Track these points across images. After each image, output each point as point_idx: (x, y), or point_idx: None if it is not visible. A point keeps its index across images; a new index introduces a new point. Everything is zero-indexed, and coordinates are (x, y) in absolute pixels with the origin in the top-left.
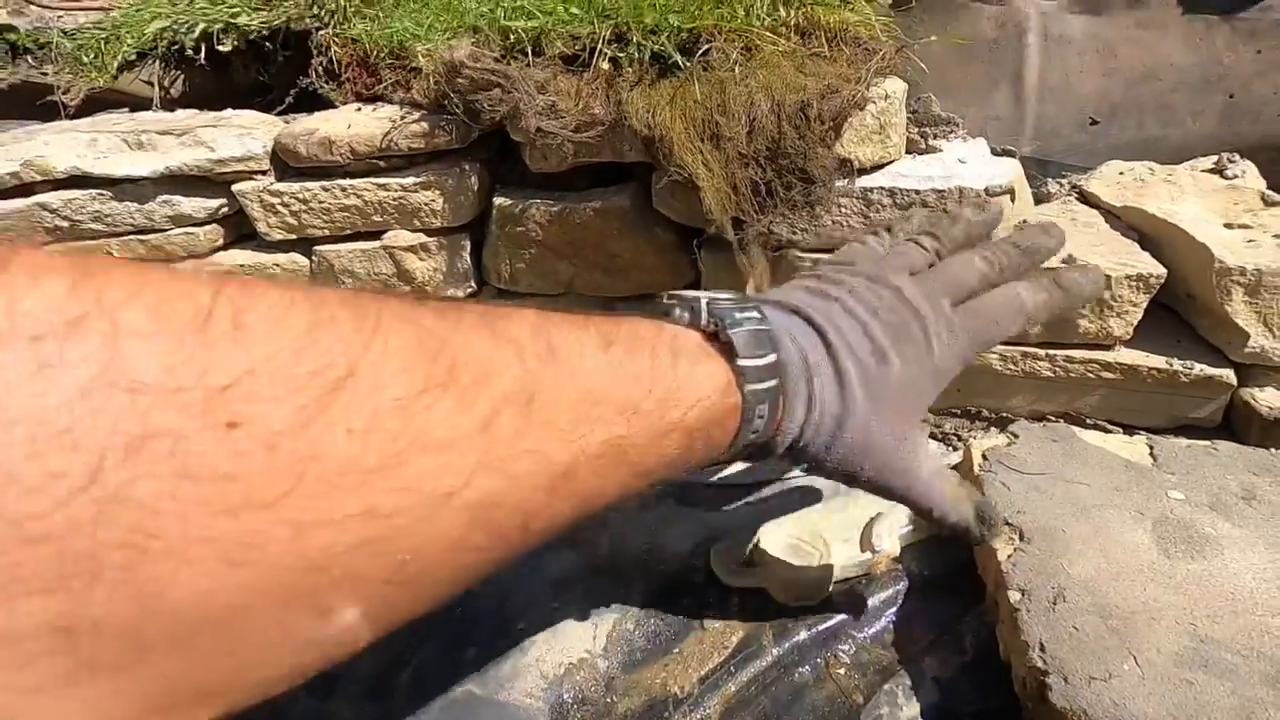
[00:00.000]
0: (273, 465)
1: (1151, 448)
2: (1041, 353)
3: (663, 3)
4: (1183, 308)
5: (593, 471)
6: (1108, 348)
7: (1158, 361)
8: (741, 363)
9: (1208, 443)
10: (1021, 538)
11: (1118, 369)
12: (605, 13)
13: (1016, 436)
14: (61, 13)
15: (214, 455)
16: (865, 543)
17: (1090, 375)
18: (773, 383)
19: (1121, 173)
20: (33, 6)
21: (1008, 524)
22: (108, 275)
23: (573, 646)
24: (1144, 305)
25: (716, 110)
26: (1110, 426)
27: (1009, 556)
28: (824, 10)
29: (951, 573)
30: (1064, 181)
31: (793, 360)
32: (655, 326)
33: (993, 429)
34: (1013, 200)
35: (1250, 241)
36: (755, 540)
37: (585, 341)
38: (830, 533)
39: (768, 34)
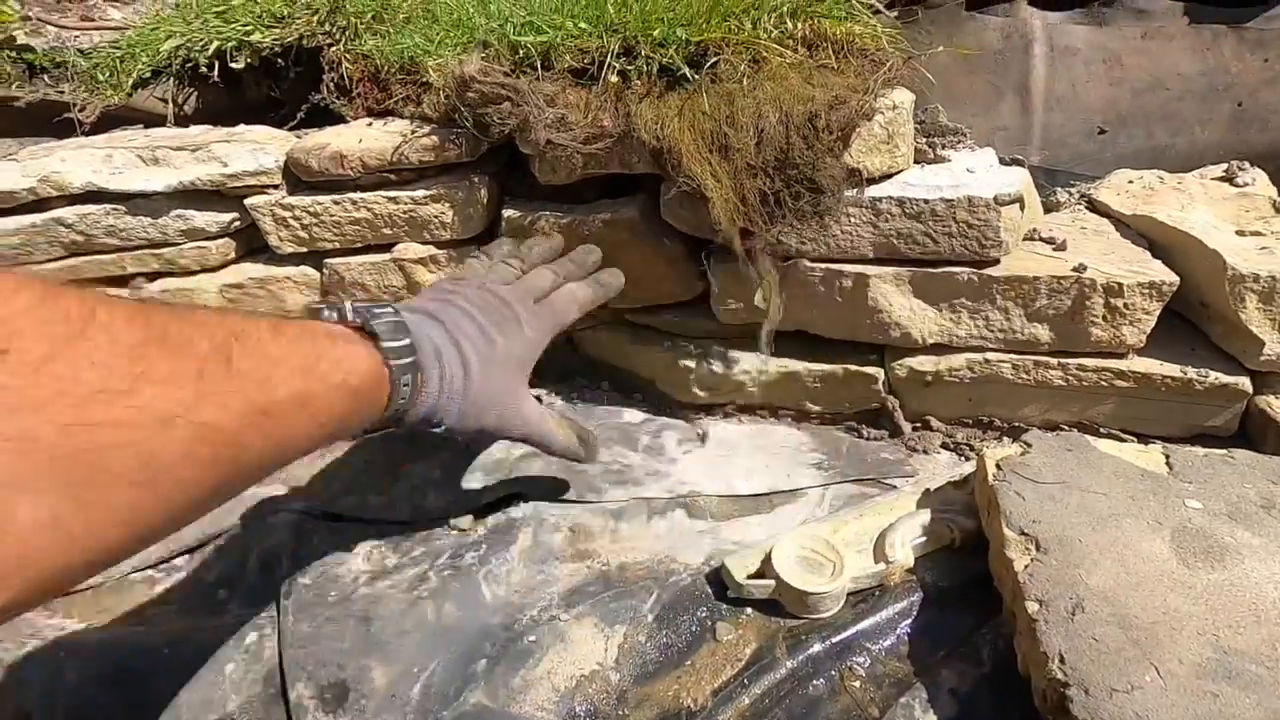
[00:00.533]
0: (38, 381)
1: (1167, 457)
2: (1053, 361)
3: (670, 16)
4: (1196, 315)
5: (284, 415)
6: (1121, 356)
7: (1172, 370)
8: (384, 344)
9: (1224, 451)
10: (1038, 548)
11: (1131, 377)
12: (613, 26)
13: (1030, 446)
14: (77, 33)
15: None
16: (879, 553)
17: (1103, 384)
18: (410, 359)
19: (1130, 181)
20: (50, 27)
21: (1023, 534)
22: None
23: (584, 659)
24: (1157, 313)
25: (725, 121)
26: (1124, 436)
27: (1025, 567)
28: (830, 23)
29: (967, 583)
30: (1073, 190)
31: (424, 344)
32: (315, 322)
33: (1005, 439)
34: (1021, 209)
35: (1263, 249)
36: (767, 552)
37: (262, 326)
38: (843, 543)
39: (775, 46)
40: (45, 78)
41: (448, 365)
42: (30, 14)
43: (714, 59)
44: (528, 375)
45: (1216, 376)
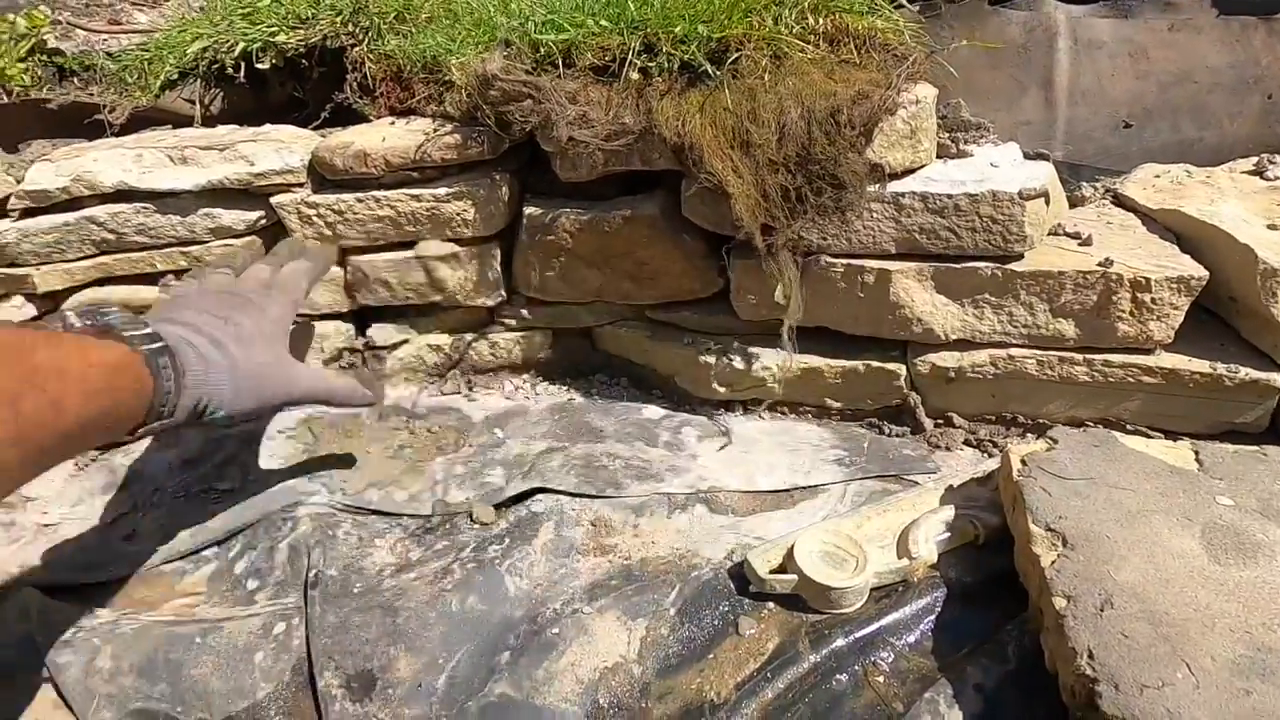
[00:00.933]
0: None
1: (1197, 453)
2: (1079, 357)
3: (692, 13)
4: (1226, 310)
5: (52, 379)
6: (1148, 351)
7: (1201, 365)
8: (125, 333)
9: (1256, 448)
10: (1065, 543)
11: (1158, 373)
12: (635, 24)
13: (1056, 442)
14: (106, 36)
15: None
16: (902, 549)
17: (1130, 380)
18: (159, 344)
19: (1157, 175)
20: (78, 31)
21: (1050, 529)
22: None
23: (607, 651)
24: (1185, 308)
25: (746, 117)
26: (1151, 432)
27: (1053, 562)
28: (852, 18)
29: (991, 580)
30: (1098, 185)
31: (168, 334)
32: (56, 333)
33: (1029, 435)
34: (1046, 204)
35: None
36: (789, 547)
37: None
38: (866, 539)
39: (796, 42)
40: (75, 80)
41: (201, 347)
42: (60, 19)
43: (735, 55)
44: (285, 346)
45: (1247, 372)
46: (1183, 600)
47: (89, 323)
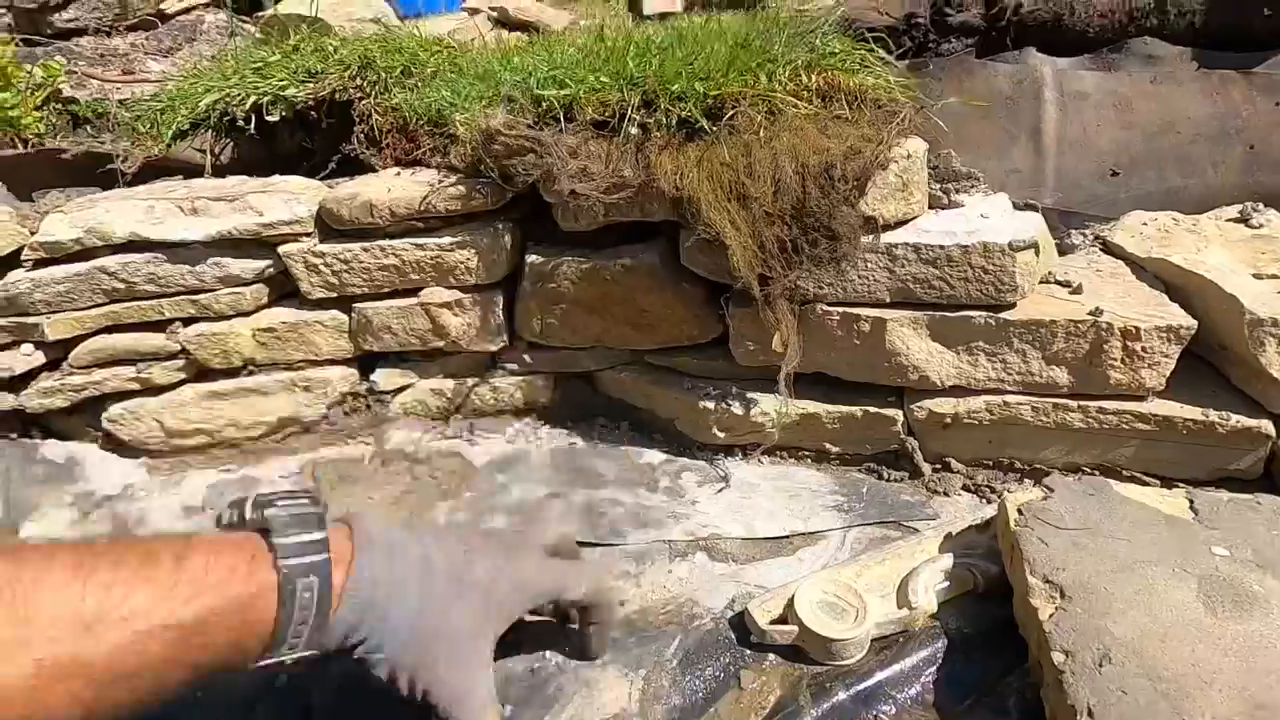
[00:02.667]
0: None
1: (1191, 501)
2: (1073, 404)
3: (689, 71)
4: (1216, 358)
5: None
6: (1141, 398)
7: (1193, 412)
8: (281, 537)
9: (1250, 496)
10: (1062, 595)
11: (1152, 420)
12: (634, 80)
13: (1052, 491)
14: (119, 85)
15: None
16: (902, 598)
17: (1124, 426)
18: (318, 558)
19: (1145, 223)
20: (93, 80)
21: (1048, 581)
22: None
23: (608, 704)
24: (1176, 356)
25: (743, 172)
26: (1148, 479)
27: (1050, 615)
28: (844, 75)
29: (991, 630)
30: (1087, 232)
31: (358, 535)
32: (186, 539)
33: (1026, 481)
34: (1037, 254)
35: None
36: (790, 596)
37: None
38: (866, 588)
39: (790, 99)
40: (88, 127)
41: (399, 562)
42: (75, 68)
43: (731, 112)
44: (499, 622)
45: (1239, 419)
46: (1180, 655)
47: (256, 515)
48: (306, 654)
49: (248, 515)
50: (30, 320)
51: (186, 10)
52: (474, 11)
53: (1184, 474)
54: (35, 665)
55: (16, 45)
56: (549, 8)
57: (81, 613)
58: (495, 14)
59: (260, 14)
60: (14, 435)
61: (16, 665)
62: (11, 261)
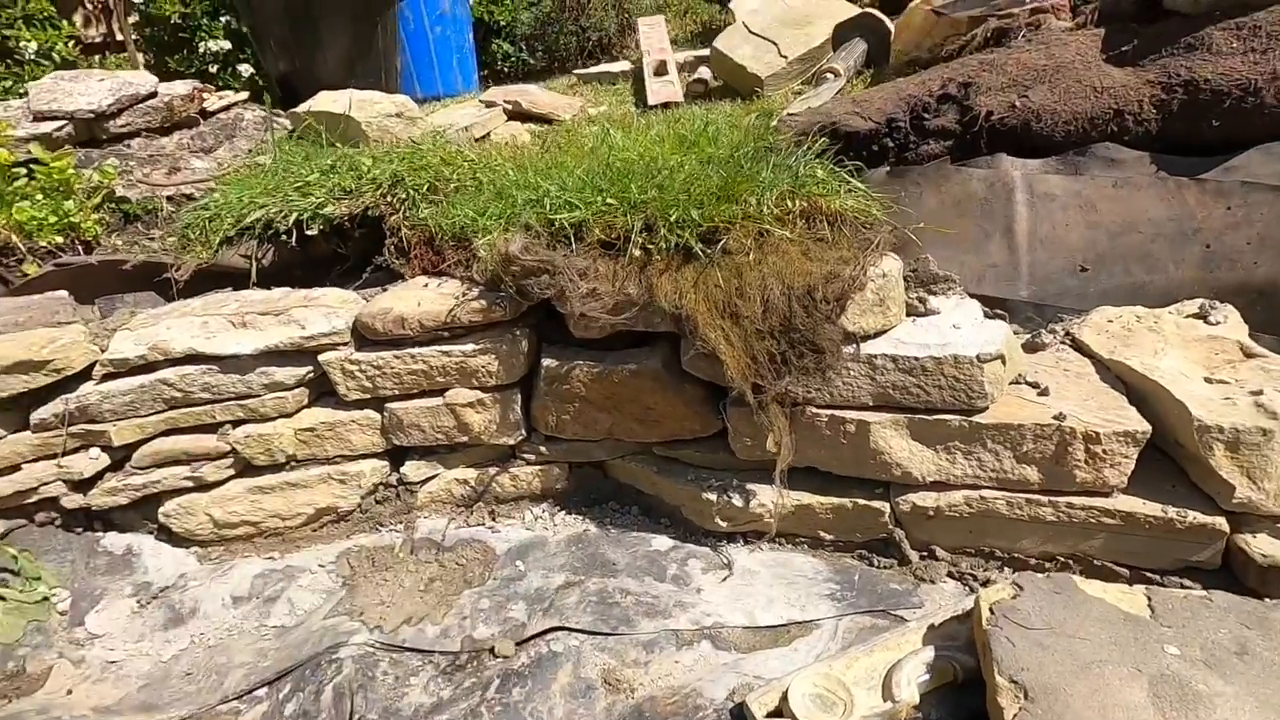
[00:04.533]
0: None
1: (1149, 599)
2: (1044, 499)
3: (685, 198)
4: (1175, 454)
5: None
6: (1106, 494)
7: (1154, 509)
8: None
9: (1204, 593)
10: (1026, 696)
11: (1117, 515)
12: (637, 205)
13: (1021, 589)
14: (167, 185)
15: None
16: (887, 691)
17: (1091, 520)
18: None
19: (1110, 320)
20: (142, 184)
21: (1013, 681)
22: None
23: None
24: (1135, 456)
25: (734, 293)
26: (1118, 568)
27: (1014, 716)
28: (825, 200)
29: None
30: (1058, 328)
31: None
32: None
33: (1006, 569)
34: (1004, 364)
35: (1227, 399)
36: (784, 690)
37: None
38: (854, 681)
39: (775, 224)
40: (139, 224)
41: None
42: (127, 168)
43: (724, 237)
44: None
45: (1195, 516)
46: None
47: None
48: None
49: None
50: (98, 428)
51: (226, 108)
52: (490, 104)
53: (1150, 564)
54: None
55: (75, 154)
56: (560, 97)
57: None
58: (510, 106)
59: (293, 110)
60: (79, 529)
61: None
62: (83, 375)
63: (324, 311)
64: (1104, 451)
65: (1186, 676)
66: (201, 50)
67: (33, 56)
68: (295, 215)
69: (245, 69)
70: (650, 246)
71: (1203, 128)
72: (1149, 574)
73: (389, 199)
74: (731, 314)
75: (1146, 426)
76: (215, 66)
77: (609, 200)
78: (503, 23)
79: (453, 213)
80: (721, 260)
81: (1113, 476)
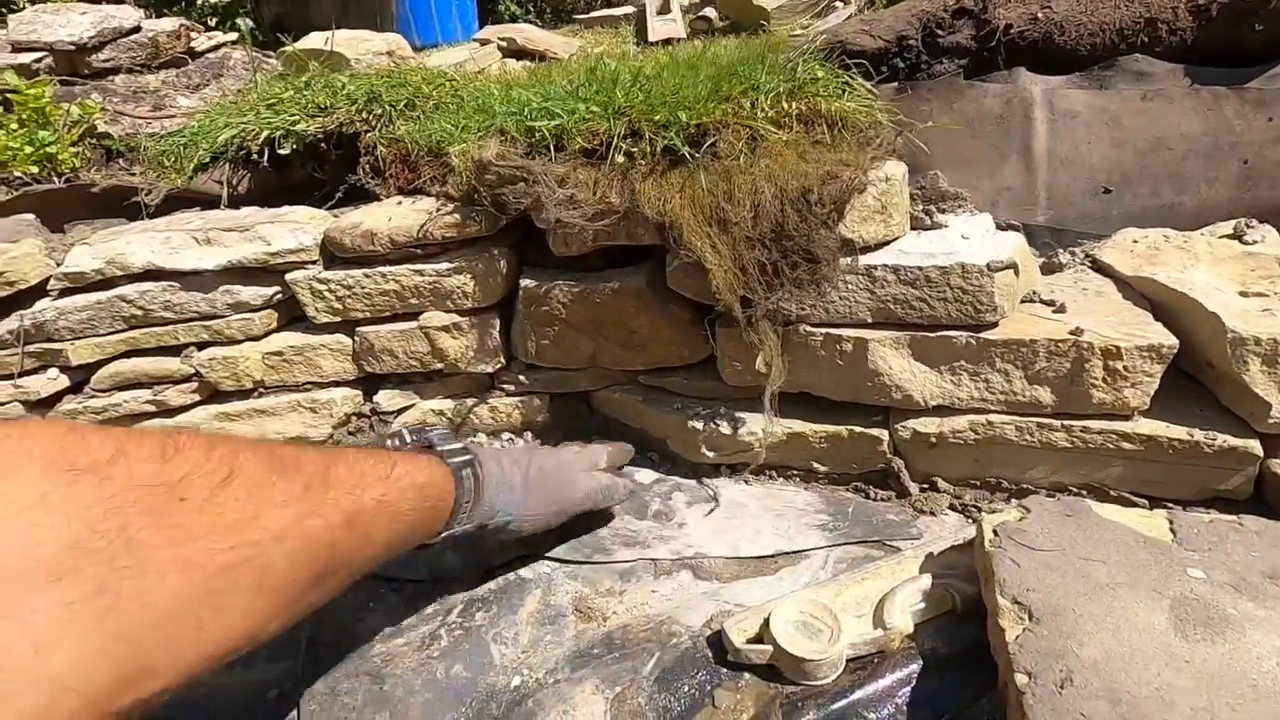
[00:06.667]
0: (199, 520)
1: (1171, 522)
2: (1057, 423)
3: (673, 100)
4: (1204, 376)
5: (371, 516)
6: (1126, 418)
7: (1179, 432)
8: (440, 448)
9: (1233, 518)
10: (1031, 617)
11: (1137, 439)
12: (620, 110)
13: (1029, 511)
14: (149, 120)
15: (175, 512)
16: (878, 619)
17: (1109, 446)
18: (467, 457)
19: (1135, 240)
20: (125, 116)
21: (1017, 603)
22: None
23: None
24: (1159, 375)
25: (723, 198)
26: (1135, 499)
27: (1016, 637)
28: (825, 101)
29: (968, 651)
30: (1077, 250)
31: (474, 448)
32: (384, 449)
33: (1013, 501)
34: (1016, 275)
35: (1266, 310)
36: (766, 616)
37: (345, 452)
38: (842, 609)
39: (771, 126)
40: (120, 161)
41: (505, 465)
42: (109, 105)
43: (713, 139)
44: (570, 473)
45: (1225, 439)
46: (1145, 678)
47: (415, 439)
48: (468, 527)
49: (408, 440)
50: (55, 346)
51: (215, 48)
52: (485, 42)
53: (1172, 494)
54: (343, 515)
55: (55, 85)
56: (557, 36)
57: (383, 470)
58: (505, 44)
59: (283, 50)
60: None
61: (325, 517)
62: (39, 291)
63: (290, 228)
64: (1125, 369)
65: (1213, 600)
66: (200, 2)
67: None
68: (267, 133)
69: (245, 23)
70: (634, 151)
71: (1244, 33)
72: (1170, 505)
73: (364, 115)
74: (719, 220)
75: (1173, 340)
76: (214, 20)
77: (592, 108)
78: None
79: (430, 128)
80: (710, 164)
81: (1134, 397)
